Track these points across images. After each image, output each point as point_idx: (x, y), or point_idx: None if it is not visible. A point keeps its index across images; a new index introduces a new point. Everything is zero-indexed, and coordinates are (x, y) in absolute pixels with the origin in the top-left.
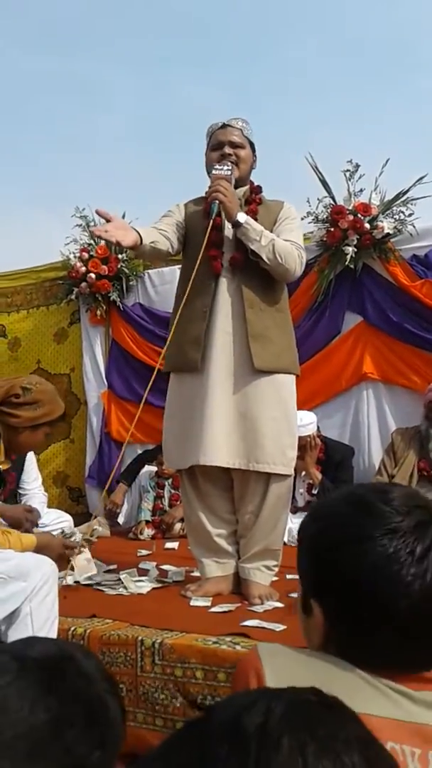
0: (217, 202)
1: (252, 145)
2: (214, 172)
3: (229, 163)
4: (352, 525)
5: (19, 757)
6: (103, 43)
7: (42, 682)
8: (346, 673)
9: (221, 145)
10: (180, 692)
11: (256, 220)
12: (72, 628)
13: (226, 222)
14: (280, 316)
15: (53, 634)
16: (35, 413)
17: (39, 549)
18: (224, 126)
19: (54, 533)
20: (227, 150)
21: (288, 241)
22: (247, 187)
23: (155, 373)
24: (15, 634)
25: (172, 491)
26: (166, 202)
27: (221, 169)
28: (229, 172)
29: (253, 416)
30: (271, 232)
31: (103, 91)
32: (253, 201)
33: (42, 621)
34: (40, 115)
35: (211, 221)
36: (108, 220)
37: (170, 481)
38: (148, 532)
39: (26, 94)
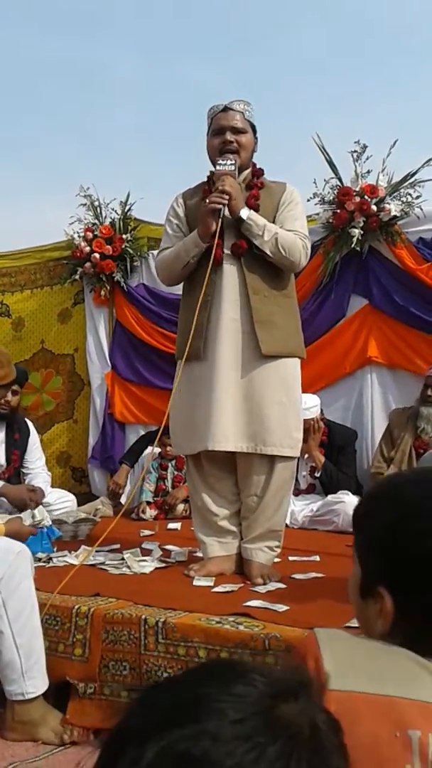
0: (224, 204)
1: (254, 127)
2: (218, 168)
3: (232, 157)
4: None
5: None
6: (108, 27)
7: None
8: (411, 663)
9: (222, 131)
10: (183, 671)
11: (257, 204)
12: (76, 607)
13: (227, 211)
14: (286, 301)
15: (34, 623)
16: None
17: (8, 536)
18: (225, 109)
19: (22, 515)
20: (228, 137)
21: (292, 230)
22: (248, 171)
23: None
24: None
25: (176, 472)
26: (170, 184)
27: (225, 164)
28: (233, 167)
29: (259, 400)
30: (274, 216)
31: (107, 76)
32: (255, 186)
33: (18, 611)
34: (44, 99)
35: (220, 221)
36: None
37: (173, 462)
38: (151, 512)
39: (27, 77)
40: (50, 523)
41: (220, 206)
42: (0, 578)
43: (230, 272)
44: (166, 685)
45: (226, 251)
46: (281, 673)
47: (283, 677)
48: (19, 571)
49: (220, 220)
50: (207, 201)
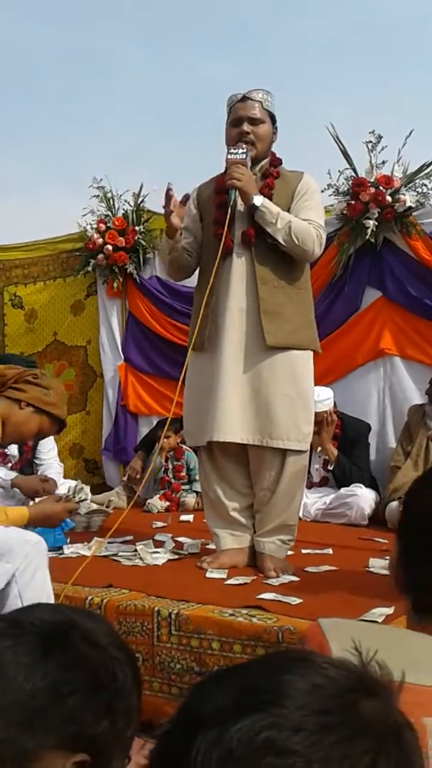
0: (234, 190)
1: (273, 117)
2: (229, 156)
3: (244, 145)
4: None
5: (14, 725)
6: (116, 17)
7: (40, 647)
8: (422, 646)
9: (240, 121)
10: (196, 663)
11: (272, 194)
12: (89, 598)
13: (239, 200)
14: (298, 293)
15: None
16: (44, 396)
17: (37, 521)
18: (244, 99)
19: (61, 491)
20: (245, 128)
21: (306, 220)
22: (266, 160)
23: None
24: None
25: (175, 462)
26: (180, 176)
27: (236, 153)
28: (245, 156)
29: (266, 393)
30: (289, 205)
31: (117, 66)
32: (270, 175)
33: (33, 601)
34: (54, 89)
35: (229, 209)
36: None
37: (172, 453)
38: (161, 503)
39: (40, 68)
40: (88, 496)
41: (233, 190)
42: (16, 569)
43: (240, 262)
44: (242, 671)
45: (236, 241)
46: (356, 668)
47: (361, 673)
48: (33, 562)
49: (230, 209)
50: (227, 178)
